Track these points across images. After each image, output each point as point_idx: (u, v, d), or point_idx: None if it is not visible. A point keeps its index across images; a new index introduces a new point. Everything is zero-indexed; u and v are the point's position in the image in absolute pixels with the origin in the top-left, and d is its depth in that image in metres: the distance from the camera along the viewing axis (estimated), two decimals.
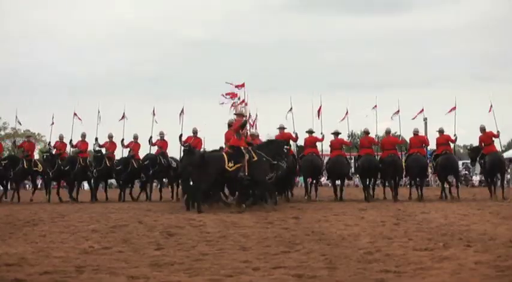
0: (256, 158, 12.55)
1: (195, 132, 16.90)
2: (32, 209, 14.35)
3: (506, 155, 33.69)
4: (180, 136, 16.75)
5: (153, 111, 19.14)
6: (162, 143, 18.27)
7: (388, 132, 17.84)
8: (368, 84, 74.85)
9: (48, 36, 77.19)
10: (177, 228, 8.97)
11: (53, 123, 19.52)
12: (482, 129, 16.34)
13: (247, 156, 12.40)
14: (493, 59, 76.85)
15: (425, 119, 22.99)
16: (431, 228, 8.44)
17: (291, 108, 17.93)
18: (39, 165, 18.08)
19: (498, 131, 16.30)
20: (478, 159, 16.75)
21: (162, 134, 18.30)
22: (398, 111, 18.33)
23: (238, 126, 12.93)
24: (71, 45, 77.93)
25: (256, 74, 73.09)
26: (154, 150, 18.31)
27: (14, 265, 5.68)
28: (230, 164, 12.23)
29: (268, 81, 75.87)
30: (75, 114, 19.12)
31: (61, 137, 18.83)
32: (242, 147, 12.54)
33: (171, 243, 7.34)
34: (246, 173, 12.28)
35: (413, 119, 18.44)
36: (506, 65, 72.28)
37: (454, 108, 17.76)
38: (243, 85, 16.68)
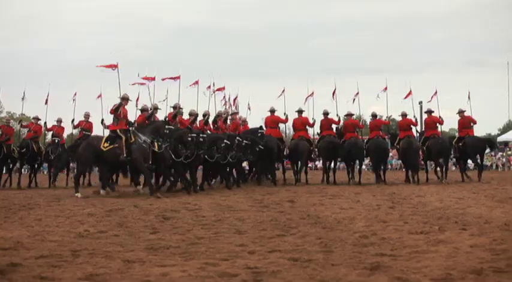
0: None
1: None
2: (27, 193, 14.33)
3: (501, 138, 33.91)
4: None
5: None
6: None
7: (374, 115, 17.49)
8: (359, 70, 74.58)
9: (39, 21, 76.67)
10: (173, 212, 8.98)
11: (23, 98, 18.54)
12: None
13: None
14: (484, 45, 76.77)
15: (420, 103, 22.89)
16: (427, 212, 8.47)
17: (283, 91, 18.41)
18: (15, 151, 17.21)
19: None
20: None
21: (36, 119, 17.91)
22: (385, 88, 18.19)
23: None
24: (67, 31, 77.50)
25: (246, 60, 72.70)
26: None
27: (10, 249, 5.67)
28: None
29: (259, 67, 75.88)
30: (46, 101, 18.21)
31: (36, 119, 17.85)
32: None
33: (166, 227, 7.34)
34: None
35: (405, 98, 18.07)
36: (497, 51, 72.26)
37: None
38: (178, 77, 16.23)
